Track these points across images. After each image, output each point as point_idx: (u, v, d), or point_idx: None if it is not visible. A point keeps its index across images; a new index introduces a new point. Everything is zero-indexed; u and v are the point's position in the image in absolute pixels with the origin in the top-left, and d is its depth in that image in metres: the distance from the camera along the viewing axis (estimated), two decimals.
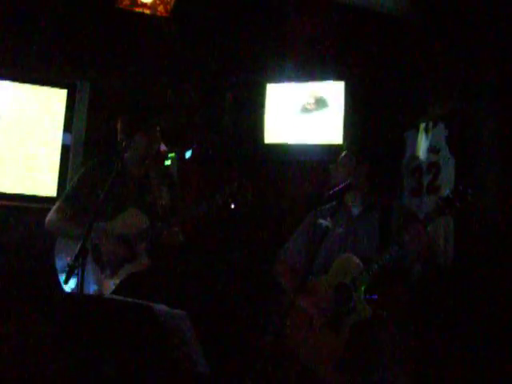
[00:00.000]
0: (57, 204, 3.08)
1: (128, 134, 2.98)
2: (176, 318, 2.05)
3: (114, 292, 2.85)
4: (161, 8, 3.54)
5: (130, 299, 2.54)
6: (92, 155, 4.25)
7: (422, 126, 3.88)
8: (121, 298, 2.81)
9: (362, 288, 2.52)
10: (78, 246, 2.34)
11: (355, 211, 2.80)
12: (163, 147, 3.50)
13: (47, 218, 3.05)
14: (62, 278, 2.93)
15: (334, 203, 2.81)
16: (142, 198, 3.03)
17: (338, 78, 4.23)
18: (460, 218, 3.25)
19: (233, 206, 2.83)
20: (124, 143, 2.94)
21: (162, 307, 2.08)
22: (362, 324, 2.51)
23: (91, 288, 2.89)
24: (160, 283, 2.95)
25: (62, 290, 2.85)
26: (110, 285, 2.89)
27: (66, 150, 4.38)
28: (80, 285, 2.33)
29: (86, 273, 2.80)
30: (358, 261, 2.56)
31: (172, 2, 3.57)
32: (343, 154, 2.85)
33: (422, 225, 2.42)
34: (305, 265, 2.82)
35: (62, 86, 4.39)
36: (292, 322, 2.68)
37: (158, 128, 3.05)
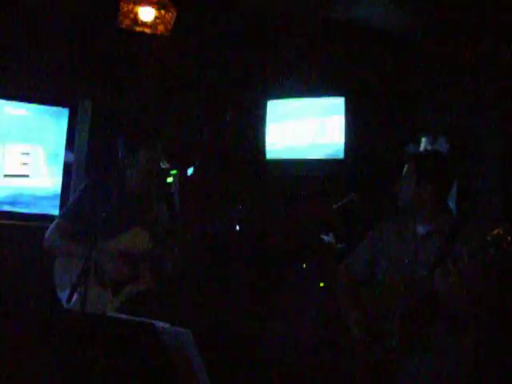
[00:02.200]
0: (56, 221, 3.02)
1: (130, 151, 2.97)
2: (179, 335, 2.04)
3: (116, 311, 2.78)
4: (161, 27, 3.57)
5: (131, 317, 2.53)
6: (94, 173, 4.30)
7: (423, 139, 3.89)
8: (122, 315, 2.81)
9: (397, 316, 2.37)
10: (81, 264, 2.33)
11: (421, 230, 2.53)
12: (165, 164, 3.52)
13: (46, 236, 2.99)
14: (63, 295, 2.88)
15: (404, 217, 2.62)
16: (143, 217, 3.00)
17: (338, 93, 4.25)
18: None
19: (238, 228, 2.83)
20: (126, 160, 2.95)
21: (164, 325, 2.06)
22: (389, 352, 2.37)
23: (93, 308, 2.77)
24: (163, 303, 2.91)
25: (62, 308, 2.83)
26: (113, 304, 2.86)
27: (68, 167, 4.41)
28: (83, 303, 2.32)
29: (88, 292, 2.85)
30: (401, 286, 2.40)
31: (172, 22, 3.61)
32: (405, 170, 2.59)
33: (454, 266, 2.18)
34: (361, 276, 2.67)
35: (64, 105, 4.43)
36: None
37: (160, 145, 3.03)
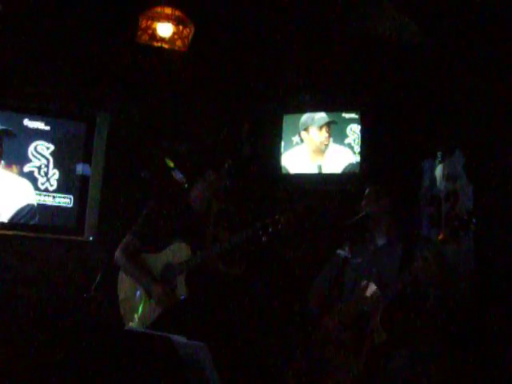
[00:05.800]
0: (126, 238, 3.21)
1: (198, 170, 3.15)
2: (195, 349, 2.05)
3: (157, 318, 3.01)
4: (179, 42, 3.61)
5: (148, 331, 2.55)
6: (111, 186, 4.34)
7: (439, 154, 3.88)
8: (139, 329, 2.84)
9: (379, 314, 2.58)
10: (98, 277, 2.38)
11: (380, 242, 2.86)
12: (181, 177, 3.56)
13: (116, 253, 3.18)
14: (122, 307, 3.13)
15: (365, 234, 2.93)
16: (198, 233, 3.13)
17: (353, 108, 4.25)
18: (480, 244, 3.25)
19: (264, 239, 2.94)
20: (190, 180, 3.18)
21: (180, 338, 2.07)
22: (377, 348, 2.57)
23: (138, 311, 3.06)
24: (196, 313, 3.04)
25: (84, 319, 2.94)
26: (155, 311, 3.03)
27: (84, 180, 4.45)
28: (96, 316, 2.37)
29: (136, 296, 3.08)
30: (375, 288, 2.64)
31: (190, 37, 3.64)
32: (367, 189, 2.92)
33: (430, 253, 2.49)
34: (330, 291, 2.92)
35: (81, 119, 4.47)
36: (315, 341, 2.76)
37: (226, 166, 3.16)
